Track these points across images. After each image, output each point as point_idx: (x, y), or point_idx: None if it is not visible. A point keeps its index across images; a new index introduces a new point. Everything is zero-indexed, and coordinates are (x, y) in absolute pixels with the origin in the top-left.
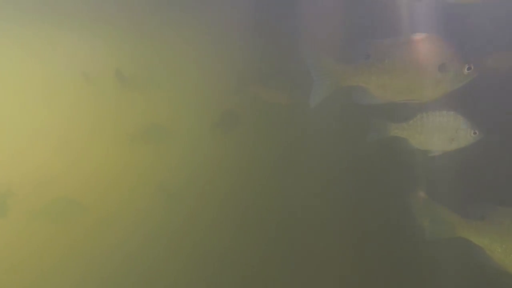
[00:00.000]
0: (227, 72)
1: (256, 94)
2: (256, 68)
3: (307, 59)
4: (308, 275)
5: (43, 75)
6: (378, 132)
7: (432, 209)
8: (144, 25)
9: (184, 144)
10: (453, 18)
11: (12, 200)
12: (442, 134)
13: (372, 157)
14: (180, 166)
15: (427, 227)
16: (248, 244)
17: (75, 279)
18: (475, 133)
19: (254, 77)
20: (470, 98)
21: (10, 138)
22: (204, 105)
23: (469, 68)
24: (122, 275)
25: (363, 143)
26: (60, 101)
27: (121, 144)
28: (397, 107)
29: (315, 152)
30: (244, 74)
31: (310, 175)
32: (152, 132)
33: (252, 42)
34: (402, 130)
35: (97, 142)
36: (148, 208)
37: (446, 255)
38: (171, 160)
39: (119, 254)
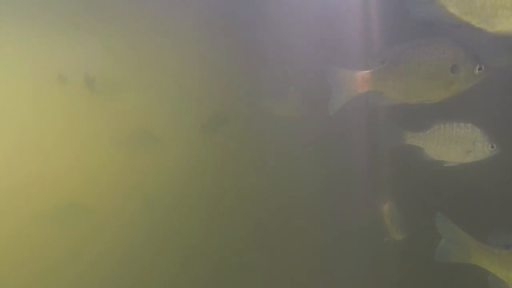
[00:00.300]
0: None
1: (268, 108)
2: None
3: (325, 71)
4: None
5: (27, 79)
6: (394, 139)
7: (445, 227)
8: (132, 30)
9: (173, 149)
10: None
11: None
12: (458, 146)
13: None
14: (168, 170)
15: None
16: (239, 245)
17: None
18: (492, 146)
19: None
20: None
21: None
22: (193, 111)
23: (480, 68)
24: (116, 276)
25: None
26: (42, 106)
27: (109, 150)
28: (415, 116)
29: (310, 160)
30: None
31: (302, 182)
32: (141, 137)
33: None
34: (418, 139)
35: (82, 148)
36: (137, 212)
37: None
38: (159, 165)
39: (111, 257)
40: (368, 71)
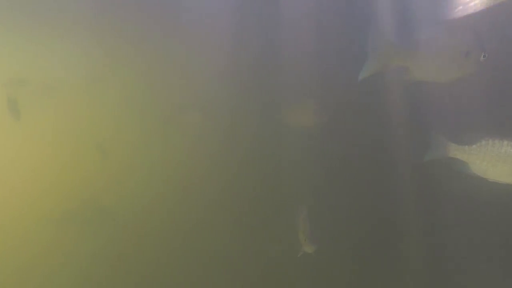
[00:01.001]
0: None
1: (288, 118)
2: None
3: (371, 36)
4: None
5: None
6: (437, 150)
7: None
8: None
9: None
10: None
11: None
12: (507, 165)
13: None
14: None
15: None
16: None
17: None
18: None
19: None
20: None
21: None
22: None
23: (484, 56)
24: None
25: None
26: None
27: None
28: (462, 129)
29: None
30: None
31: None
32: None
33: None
34: (463, 153)
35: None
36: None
37: None
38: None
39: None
40: (405, 47)
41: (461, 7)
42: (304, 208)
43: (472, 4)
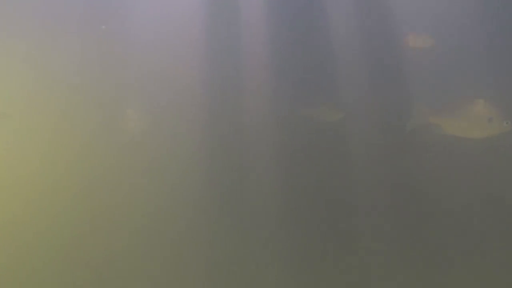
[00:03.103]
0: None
1: (308, 117)
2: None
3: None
4: None
5: None
6: None
7: None
8: None
9: None
10: None
11: None
12: None
13: None
14: None
15: None
16: None
17: None
18: None
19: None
20: None
21: None
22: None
23: (506, 123)
24: None
25: None
26: None
27: None
28: None
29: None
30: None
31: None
32: None
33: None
34: None
35: None
36: None
37: None
38: None
39: None
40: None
41: None
42: None
43: None
